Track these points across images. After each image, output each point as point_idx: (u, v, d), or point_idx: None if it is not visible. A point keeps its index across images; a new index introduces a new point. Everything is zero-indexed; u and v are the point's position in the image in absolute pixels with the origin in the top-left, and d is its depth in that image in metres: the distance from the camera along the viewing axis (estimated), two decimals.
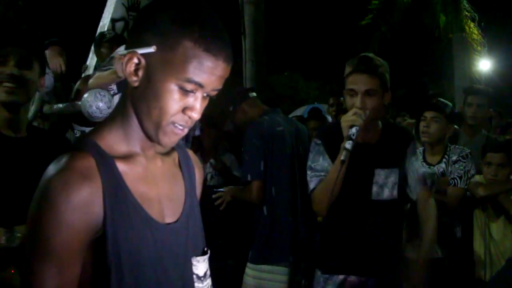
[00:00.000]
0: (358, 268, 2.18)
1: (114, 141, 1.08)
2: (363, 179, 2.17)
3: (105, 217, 1.00)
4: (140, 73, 1.04)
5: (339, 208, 2.15)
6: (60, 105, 3.28)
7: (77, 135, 3.12)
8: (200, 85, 1.02)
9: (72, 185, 0.97)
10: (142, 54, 1.02)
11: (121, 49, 1.26)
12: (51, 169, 1.00)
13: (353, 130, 2.00)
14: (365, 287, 2.19)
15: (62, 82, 3.79)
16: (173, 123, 1.04)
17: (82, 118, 2.82)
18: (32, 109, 3.54)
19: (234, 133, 3.70)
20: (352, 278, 2.19)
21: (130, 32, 1.09)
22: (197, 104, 1.04)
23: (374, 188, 2.17)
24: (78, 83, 3.45)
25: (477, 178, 2.95)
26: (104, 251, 1.00)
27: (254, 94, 2.98)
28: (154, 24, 1.02)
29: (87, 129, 2.99)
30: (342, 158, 1.97)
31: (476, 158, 3.05)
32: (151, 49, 1.00)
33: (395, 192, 2.20)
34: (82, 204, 0.97)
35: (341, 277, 2.20)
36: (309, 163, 2.24)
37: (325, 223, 2.30)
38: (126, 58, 1.03)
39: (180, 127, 1.06)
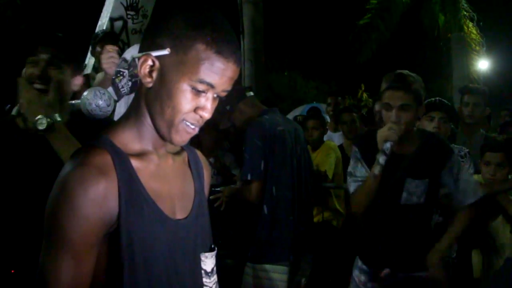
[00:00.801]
0: (390, 263, 2.36)
1: (128, 139, 1.12)
2: (395, 186, 2.33)
3: (120, 212, 1.04)
4: (154, 74, 1.08)
5: (372, 211, 2.37)
6: None
7: None
8: (211, 86, 1.07)
9: (89, 180, 1.01)
10: (156, 57, 1.07)
11: (132, 51, 1.28)
12: (69, 164, 1.04)
13: (387, 145, 2.17)
14: (395, 279, 2.36)
15: None
16: (185, 121, 1.09)
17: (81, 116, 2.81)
18: None
19: (232, 132, 3.70)
20: (386, 270, 2.36)
21: (144, 36, 1.13)
22: (208, 104, 1.09)
23: (404, 194, 2.33)
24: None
25: (476, 177, 2.95)
26: (118, 244, 1.04)
27: (251, 93, 2.97)
28: (167, 28, 1.07)
29: None
30: (375, 172, 2.16)
31: (474, 157, 3.05)
32: (165, 52, 1.06)
33: (423, 199, 2.35)
34: (99, 198, 1.01)
35: (377, 270, 2.39)
36: (350, 169, 2.45)
37: (363, 224, 2.49)
38: (141, 60, 1.08)
39: (192, 126, 1.10)
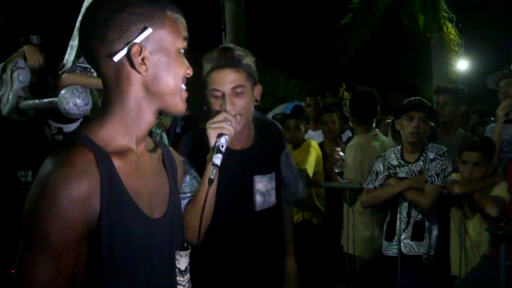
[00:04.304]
0: (247, 285, 1.95)
1: (108, 137, 1.10)
2: (243, 190, 1.91)
3: (101, 211, 1.02)
4: (147, 60, 1.09)
5: (220, 224, 1.84)
6: (37, 101, 3.23)
7: (54, 132, 3.07)
8: (187, 39, 1.17)
9: (73, 180, 0.98)
10: (141, 43, 1.08)
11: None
12: (50, 163, 1.01)
13: (222, 140, 1.63)
14: None
15: (39, 77, 3.73)
16: (182, 85, 1.16)
17: (59, 114, 2.78)
18: (8, 104, 3.48)
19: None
20: None
21: (106, 40, 1.08)
22: (187, 61, 1.18)
23: (257, 198, 1.93)
24: (56, 81, 3.40)
25: (454, 176, 2.99)
26: (98, 244, 1.03)
27: None
28: (133, 13, 1.08)
29: (64, 126, 2.95)
30: (211, 176, 1.54)
31: (454, 156, 3.09)
32: (149, 31, 1.08)
33: (274, 197, 2.00)
34: (82, 198, 0.99)
35: None
36: None
37: (206, 242, 1.80)
38: (132, 53, 1.07)
39: (185, 88, 1.18)
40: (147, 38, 1.08)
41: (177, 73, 1.13)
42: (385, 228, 3.19)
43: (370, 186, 3.17)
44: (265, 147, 1.99)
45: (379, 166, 3.17)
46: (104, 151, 1.06)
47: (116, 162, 1.07)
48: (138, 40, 1.07)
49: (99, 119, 1.12)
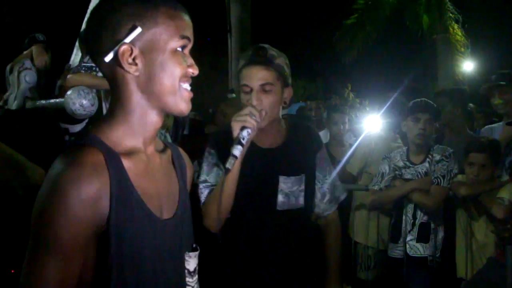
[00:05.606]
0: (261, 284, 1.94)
1: (117, 137, 1.10)
2: (267, 188, 1.93)
3: (110, 212, 1.02)
4: (138, 60, 1.08)
5: (241, 221, 1.92)
6: (43, 101, 3.25)
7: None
8: (188, 39, 1.12)
9: (83, 180, 0.98)
10: (132, 43, 1.07)
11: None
12: (60, 163, 1.01)
13: (244, 133, 1.67)
14: None
15: (46, 78, 3.76)
16: (182, 85, 1.12)
17: (65, 115, 2.79)
18: (15, 104, 3.51)
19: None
20: None
21: (100, 40, 1.09)
22: (192, 61, 1.14)
23: (280, 198, 1.94)
24: (60, 80, 3.42)
25: (460, 177, 2.98)
26: (107, 244, 1.03)
27: (234, 95, 2.98)
28: (125, 13, 1.07)
29: (70, 127, 2.97)
30: (227, 165, 1.59)
31: (461, 158, 3.08)
32: (138, 30, 1.06)
33: (301, 200, 1.97)
34: (92, 198, 0.99)
35: None
36: (203, 176, 1.96)
37: (226, 239, 1.98)
38: (120, 53, 1.06)
39: (189, 88, 1.14)
40: (137, 38, 1.07)
41: (172, 72, 1.10)
42: (390, 229, 3.18)
43: (376, 187, 3.16)
44: (295, 148, 1.98)
45: (384, 168, 3.16)
46: (114, 152, 1.07)
47: (126, 163, 1.07)
48: (127, 39, 1.06)
49: (108, 119, 1.12)
